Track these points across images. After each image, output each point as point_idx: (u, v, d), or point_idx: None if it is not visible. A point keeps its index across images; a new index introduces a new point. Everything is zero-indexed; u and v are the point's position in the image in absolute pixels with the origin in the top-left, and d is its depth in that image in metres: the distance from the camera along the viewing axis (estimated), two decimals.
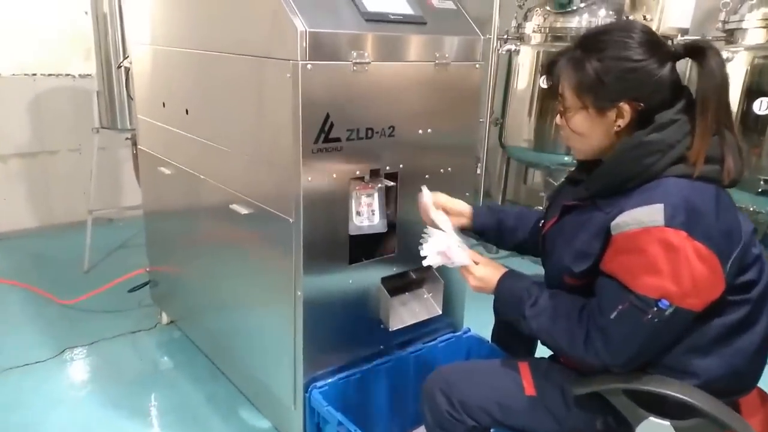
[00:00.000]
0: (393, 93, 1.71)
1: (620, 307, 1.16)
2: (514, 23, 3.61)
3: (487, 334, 2.07)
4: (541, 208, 3.66)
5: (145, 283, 2.95)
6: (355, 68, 1.60)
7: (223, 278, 2.13)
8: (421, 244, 1.47)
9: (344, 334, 1.84)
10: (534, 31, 3.46)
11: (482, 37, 1.86)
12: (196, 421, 2.18)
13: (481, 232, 1.63)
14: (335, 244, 1.73)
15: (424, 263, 1.45)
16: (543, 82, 3.34)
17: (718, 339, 1.21)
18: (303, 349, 1.74)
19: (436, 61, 1.76)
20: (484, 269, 1.41)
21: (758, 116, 2.65)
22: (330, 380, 1.79)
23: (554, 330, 1.26)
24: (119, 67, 3.10)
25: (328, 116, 1.58)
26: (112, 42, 3.09)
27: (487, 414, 1.33)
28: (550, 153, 3.48)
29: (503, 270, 1.39)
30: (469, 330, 2.11)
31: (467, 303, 2.13)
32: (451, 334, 2.08)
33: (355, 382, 1.84)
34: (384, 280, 1.87)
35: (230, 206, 1.92)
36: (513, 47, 3.48)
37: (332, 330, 1.81)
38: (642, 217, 1.14)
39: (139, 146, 2.64)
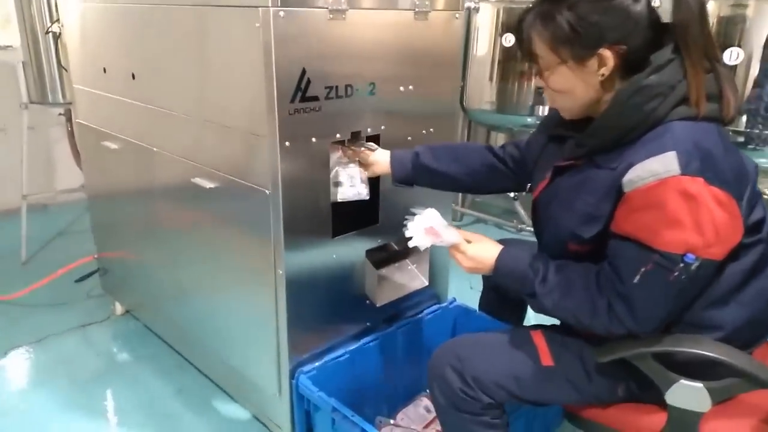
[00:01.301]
0: (372, 46, 1.55)
1: (643, 269, 1.07)
2: None
3: (468, 301, 1.99)
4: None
5: (94, 272, 2.71)
6: (331, 16, 1.43)
7: (188, 261, 1.94)
8: (405, 225, 1.36)
9: (329, 313, 1.70)
10: None
11: None
12: (167, 417, 2.00)
13: (406, 183, 1.58)
14: (317, 216, 1.58)
15: (410, 244, 1.34)
16: (505, 41, 3.24)
17: (735, 286, 1.15)
18: (287, 332, 1.59)
19: (416, 9, 1.61)
20: (477, 247, 1.31)
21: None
22: (317, 363, 1.66)
23: (571, 305, 1.16)
24: (47, 32, 2.77)
25: (304, 72, 1.41)
26: (36, 4, 2.75)
27: (503, 389, 1.23)
28: (513, 114, 3.40)
29: (498, 247, 1.29)
30: (455, 300, 2.02)
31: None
32: (437, 306, 1.98)
33: (344, 364, 1.71)
34: (368, 252, 1.74)
35: (192, 180, 1.73)
36: (472, 5, 3.35)
37: (316, 309, 1.66)
38: (656, 167, 1.05)
39: (77, 120, 2.37)
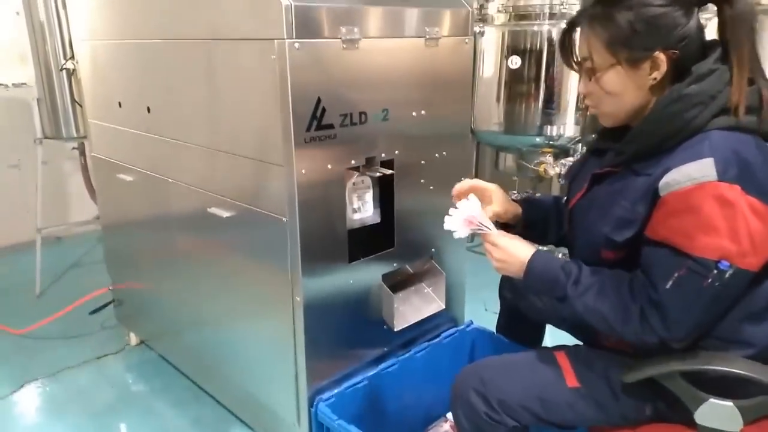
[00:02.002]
0: (384, 73, 1.58)
1: (676, 274, 1.07)
2: (476, 4, 3.52)
3: (483, 323, 1.98)
4: (515, 191, 3.63)
5: (108, 303, 2.71)
6: (344, 45, 1.45)
7: (204, 290, 1.95)
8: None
9: (347, 339, 1.69)
10: (498, 11, 3.38)
11: (470, 9, 1.74)
12: None
13: (529, 225, 1.50)
14: (334, 242, 1.58)
15: (446, 226, 1.32)
16: (511, 63, 3.27)
17: None
18: (305, 360, 1.58)
19: (427, 36, 1.63)
20: (512, 242, 1.28)
21: None
22: (336, 390, 1.64)
23: (604, 309, 1.15)
24: (61, 69, 2.83)
25: (319, 101, 1.43)
26: (50, 42, 2.81)
27: (528, 411, 1.22)
28: (521, 135, 3.41)
29: (532, 248, 1.28)
30: (472, 322, 2.01)
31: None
32: (455, 329, 1.97)
33: (363, 390, 1.69)
34: (385, 277, 1.74)
35: (208, 210, 1.74)
36: (477, 29, 3.39)
37: (334, 336, 1.66)
38: (693, 172, 1.06)
39: (92, 153, 2.40)
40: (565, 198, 1.44)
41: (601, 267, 1.21)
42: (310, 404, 1.62)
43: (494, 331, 1.90)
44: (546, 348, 1.35)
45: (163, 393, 2.28)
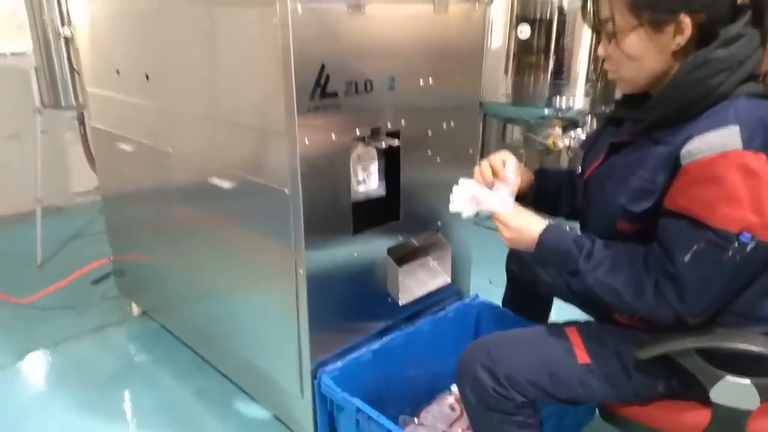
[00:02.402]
0: (391, 40, 1.52)
1: (695, 246, 1.04)
2: None
3: (487, 296, 1.96)
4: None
5: (109, 274, 2.69)
6: (349, 10, 1.39)
7: (206, 261, 1.92)
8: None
9: (351, 312, 1.67)
10: None
11: None
12: (187, 419, 1.98)
13: (541, 197, 1.46)
14: (337, 214, 1.54)
15: (452, 208, 1.29)
16: (520, 33, 3.19)
17: None
18: (308, 332, 1.56)
19: (436, 2, 1.57)
20: (521, 218, 1.25)
21: None
22: (339, 363, 1.63)
23: (616, 283, 1.12)
24: (60, 37, 2.76)
25: (323, 67, 1.38)
26: (47, 10, 2.73)
27: (537, 387, 1.20)
28: (530, 107, 3.35)
29: (543, 221, 1.24)
30: (477, 296, 1.98)
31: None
32: (460, 302, 1.94)
33: (366, 363, 1.68)
34: (390, 250, 1.70)
35: (209, 180, 1.70)
36: None
37: (338, 309, 1.63)
38: (717, 140, 1.02)
39: (91, 123, 2.35)
40: (580, 169, 1.39)
41: (615, 240, 1.18)
42: (314, 376, 1.61)
43: (500, 305, 1.87)
44: (556, 323, 1.32)
45: (166, 364, 2.27)
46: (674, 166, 1.07)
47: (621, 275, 1.12)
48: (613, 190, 1.18)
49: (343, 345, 1.67)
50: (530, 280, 1.68)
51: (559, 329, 1.27)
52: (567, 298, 1.53)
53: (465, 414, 1.84)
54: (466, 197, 1.27)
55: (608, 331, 1.24)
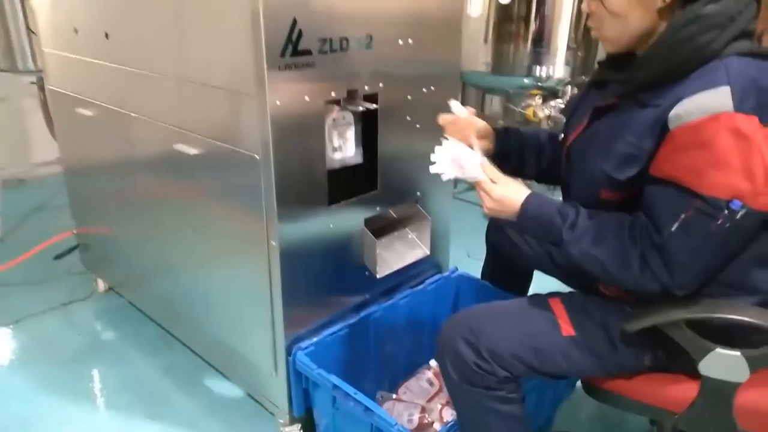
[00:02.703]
0: None
1: (683, 215, 0.99)
2: None
3: (465, 269, 1.91)
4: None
5: (74, 248, 2.57)
6: None
7: (173, 233, 1.82)
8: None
9: (326, 286, 1.60)
10: None
11: None
12: (156, 397, 1.90)
13: (503, 156, 1.39)
14: (312, 183, 1.46)
15: (432, 170, 1.22)
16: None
17: None
18: (282, 307, 1.49)
19: None
20: (504, 188, 1.18)
21: None
22: (315, 339, 1.56)
23: (601, 254, 1.07)
24: None
25: (295, 22, 1.28)
26: None
27: (520, 361, 1.15)
28: (509, 76, 3.27)
29: (525, 190, 1.18)
30: (457, 269, 1.93)
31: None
32: (439, 276, 1.89)
33: (343, 338, 1.62)
34: (367, 221, 1.63)
35: (174, 147, 1.60)
36: None
37: (313, 282, 1.56)
38: (707, 102, 0.96)
39: (49, 86, 2.21)
40: (562, 135, 1.33)
41: (599, 209, 1.12)
42: (288, 353, 1.54)
43: (479, 277, 1.82)
44: (539, 295, 1.27)
45: (134, 340, 2.18)
46: (661, 130, 1.02)
47: (606, 246, 1.07)
48: (597, 156, 1.12)
49: (319, 320, 1.60)
50: (510, 253, 1.62)
51: (542, 301, 1.22)
52: (549, 271, 1.48)
53: (444, 388, 1.80)
54: (448, 158, 1.20)
55: (593, 302, 1.20)
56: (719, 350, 1.04)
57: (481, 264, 1.81)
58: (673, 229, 0.99)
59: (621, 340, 1.13)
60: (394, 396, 1.77)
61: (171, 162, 1.68)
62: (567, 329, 1.15)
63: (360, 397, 1.37)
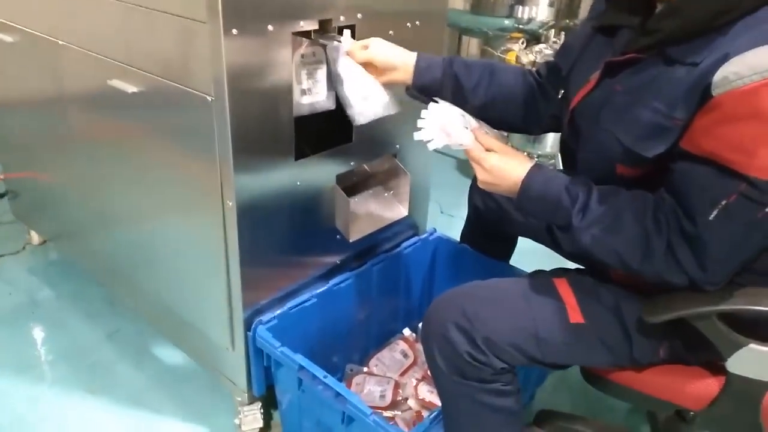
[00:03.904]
0: None
1: (724, 201, 0.81)
2: None
3: (438, 228, 1.74)
4: None
5: (2, 195, 2.28)
6: None
7: (113, 184, 1.57)
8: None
9: (292, 252, 1.40)
10: None
11: None
12: (98, 367, 1.70)
13: (423, 89, 1.20)
14: (276, 132, 1.23)
15: (417, 136, 1.02)
16: None
17: None
18: (240, 275, 1.29)
19: None
20: (502, 159, 1.00)
21: None
22: (279, 311, 1.37)
23: (618, 243, 0.90)
24: None
25: None
26: None
27: (520, 351, 0.99)
28: (489, 16, 3.04)
29: (528, 162, 0.99)
30: (435, 230, 1.75)
31: None
32: (417, 238, 1.71)
33: (311, 309, 1.43)
34: (339, 178, 1.42)
35: (108, 82, 1.34)
36: None
37: (277, 247, 1.36)
38: (760, 61, 0.77)
39: None
40: (561, 93, 1.12)
41: (614, 186, 0.94)
42: (247, 327, 1.35)
43: (457, 240, 1.66)
44: (542, 272, 1.10)
45: (73, 302, 1.96)
46: (701, 97, 0.82)
47: (624, 234, 0.90)
48: (613, 125, 0.93)
49: (284, 290, 1.40)
50: (497, 218, 1.45)
51: (547, 282, 1.04)
52: (543, 241, 1.32)
53: (420, 361, 1.66)
54: (437, 124, 1.00)
55: (604, 285, 1.03)
56: (753, 346, 0.90)
57: (455, 220, 1.62)
58: (711, 217, 0.83)
59: (636, 329, 0.98)
60: (365, 369, 1.62)
61: (105, 101, 1.42)
62: (575, 316, 0.99)
63: (330, 381, 1.20)
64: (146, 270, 1.61)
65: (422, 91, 1.22)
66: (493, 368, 0.98)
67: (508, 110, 1.23)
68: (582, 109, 1.02)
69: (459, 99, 1.18)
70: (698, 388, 0.98)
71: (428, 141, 1.01)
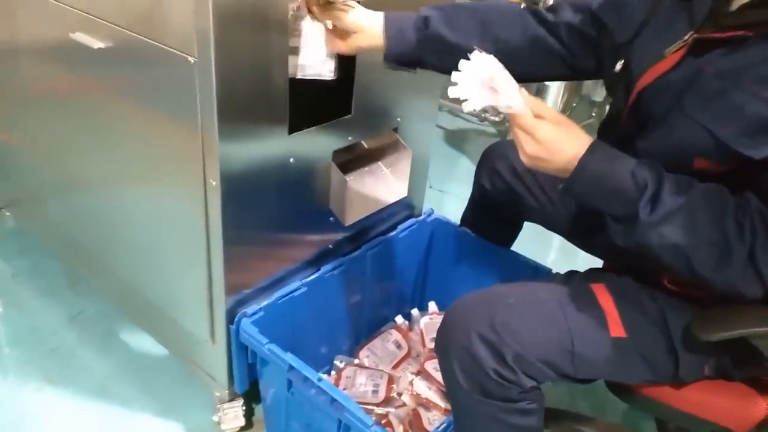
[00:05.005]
0: None
1: None
2: None
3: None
4: None
5: None
6: None
7: (80, 149, 1.39)
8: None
9: (281, 236, 1.25)
10: None
11: None
12: (58, 353, 1.54)
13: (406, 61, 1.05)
14: (267, 103, 1.07)
15: (452, 93, 0.82)
16: None
17: None
18: (223, 261, 1.14)
19: None
20: (556, 129, 0.82)
21: None
22: (265, 302, 1.23)
23: (689, 247, 0.77)
24: None
25: None
26: None
27: (551, 368, 0.87)
28: None
29: (586, 137, 0.83)
30: (433, 211, 1.62)
31: None
32: (414, 220, 1.57)
33: (300, 299, 1.30)
34: (336, 154, 1.27)
35: (71, 36, 1.15)
36: None
37: (264, 231, 1.21)
38: None
39: None
40: (620, 65, 0.96)
41: (688, 177, 0.81)
42: (230, 320, 1.21)
43: (456, 222, 1.54)
44: (576, 275, 0.97)
45: (30, 279, 1.77)
46: None
47: (699, 236, 0.77)
48: (701, 113, 0.79)
49: (271, 277, 1.26)
50: (505, 200, 1.33)
51: (584, 288, 0.92)
52: (563, 232, 1.19)
53: (413, 353, 1.55)
54: (477, 79, 0.82)
55: (648, 292, 0.91)
56: None
57: (445, 197, 1.48)
58: None
59: (683, 346, 0.86)
60: (355, 361, 1.50)
61: (70, 57, 1.23)
62: (616, 329, 0.87)
63: (325, 384, 1.07)
64: (114, 247, 1.44)
65: (400, 61, 1.06)
66: (521, 387, 0.86)
67: (509, 66, 0.95)
68: (655, 91, 0.86)
69: (447, 63, 0.91)
70: (744, 408, 0.89)
71: (465, 100, 0.84)
